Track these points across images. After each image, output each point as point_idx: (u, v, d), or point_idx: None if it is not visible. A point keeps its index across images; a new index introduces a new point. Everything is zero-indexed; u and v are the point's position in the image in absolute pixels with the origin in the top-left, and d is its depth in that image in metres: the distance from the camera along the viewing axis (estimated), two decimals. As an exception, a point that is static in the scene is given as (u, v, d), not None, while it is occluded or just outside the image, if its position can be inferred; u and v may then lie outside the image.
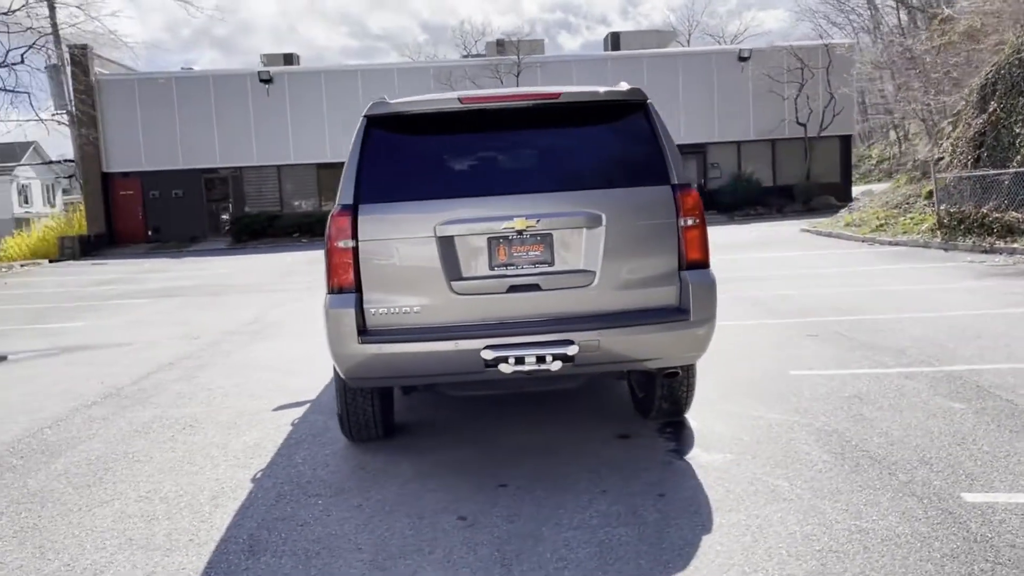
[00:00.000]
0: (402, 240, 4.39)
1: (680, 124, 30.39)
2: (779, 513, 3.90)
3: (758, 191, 30.72)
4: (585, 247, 4.42)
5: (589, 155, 4.69)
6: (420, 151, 4.61)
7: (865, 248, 16.74)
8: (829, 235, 19.72)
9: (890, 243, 16.93)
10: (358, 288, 4.38)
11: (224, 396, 6.82)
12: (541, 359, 4.26)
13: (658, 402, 5.24)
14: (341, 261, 4.37)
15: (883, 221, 18.70)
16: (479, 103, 4.56)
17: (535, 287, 4.42)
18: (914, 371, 6.34)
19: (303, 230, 30.43)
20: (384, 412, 5.20)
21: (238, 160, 31.62)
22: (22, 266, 25.65)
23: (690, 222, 4.50)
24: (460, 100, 4.54)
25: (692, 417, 5.43)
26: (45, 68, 31.36)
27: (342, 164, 4.65)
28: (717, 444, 4.92)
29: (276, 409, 6.28)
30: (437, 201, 4.42)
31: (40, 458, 5.38)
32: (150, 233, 31.66)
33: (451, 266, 4.38)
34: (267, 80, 31.31)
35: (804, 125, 31.04)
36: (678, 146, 4.62)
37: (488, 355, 4.24)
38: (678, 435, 5.13)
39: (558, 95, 4.57)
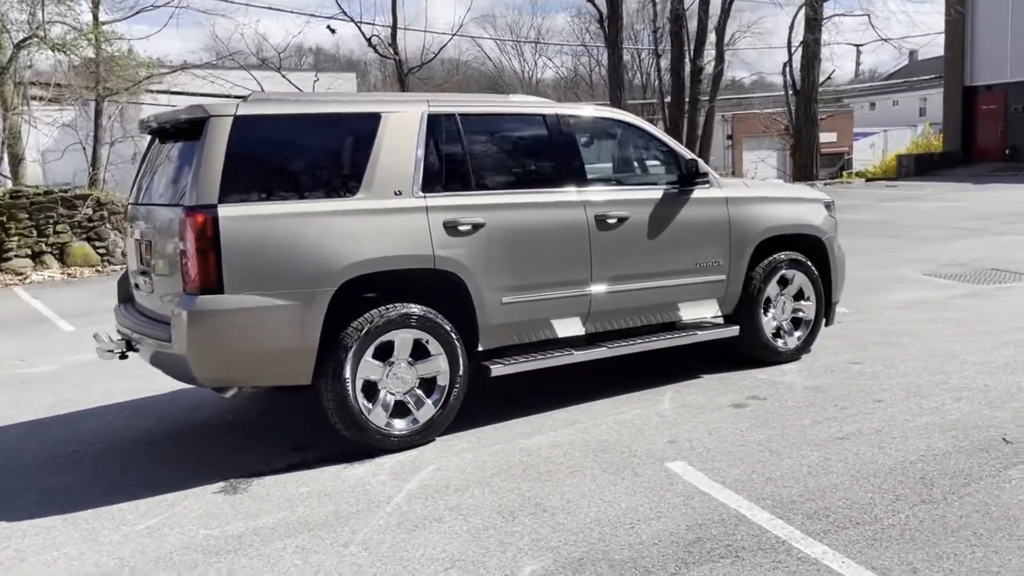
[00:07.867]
0: (130, 238, 5.52)
1: None
2: None
3: None
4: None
5: (168, 172, 4.94)
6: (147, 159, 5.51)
7: None
8: None
9: None
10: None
11: None
12: (116, 351, 4.99)
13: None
14: None
15: None
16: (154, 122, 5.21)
17: (137, 287, 5.09)
18: None
19: None
20: None
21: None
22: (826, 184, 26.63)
23: (185, 246, 4.35)
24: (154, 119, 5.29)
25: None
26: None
27: None
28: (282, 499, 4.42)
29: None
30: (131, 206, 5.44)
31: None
32: (1007, 152, 28.48)
33: (135, 261, 5.33)
34: None
35: None
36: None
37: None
38: (326, 465, 4.68)
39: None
